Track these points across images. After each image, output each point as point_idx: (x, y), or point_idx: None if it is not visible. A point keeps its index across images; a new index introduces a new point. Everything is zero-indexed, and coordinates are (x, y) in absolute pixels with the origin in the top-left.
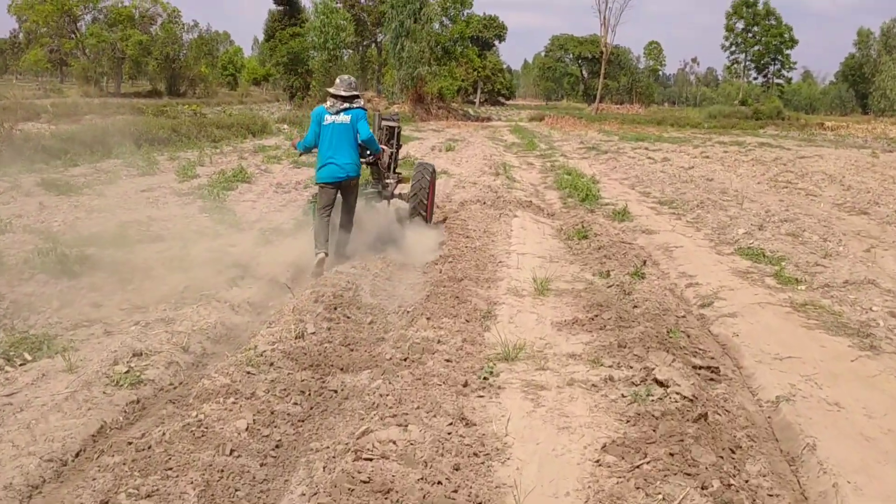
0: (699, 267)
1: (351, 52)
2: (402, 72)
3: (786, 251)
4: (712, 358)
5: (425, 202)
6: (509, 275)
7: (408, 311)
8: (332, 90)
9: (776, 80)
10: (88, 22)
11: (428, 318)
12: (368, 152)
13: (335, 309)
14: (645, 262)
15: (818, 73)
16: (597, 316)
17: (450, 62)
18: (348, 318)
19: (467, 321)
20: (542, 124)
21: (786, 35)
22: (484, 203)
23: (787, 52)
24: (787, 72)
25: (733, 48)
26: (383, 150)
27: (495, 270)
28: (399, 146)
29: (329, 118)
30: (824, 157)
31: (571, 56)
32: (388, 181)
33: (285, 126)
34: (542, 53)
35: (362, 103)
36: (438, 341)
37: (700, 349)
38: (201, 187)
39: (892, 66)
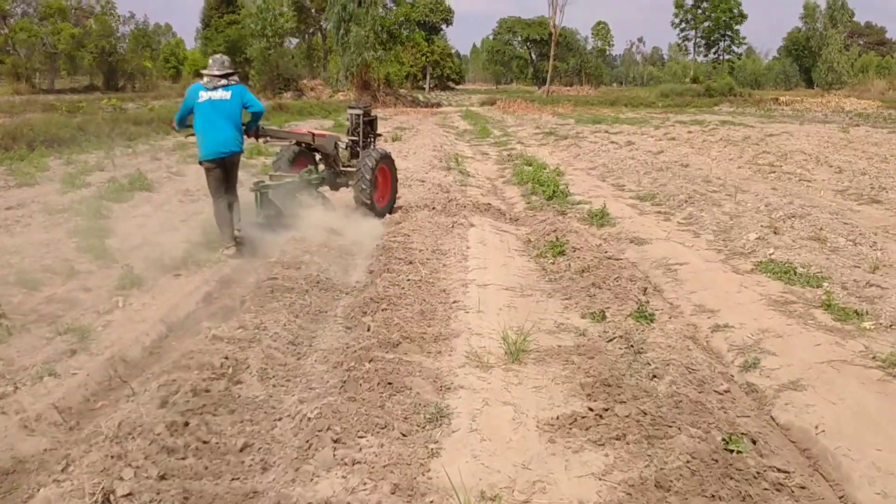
0: (719, 295)
1: (297, 40)
2: (346, 58)
3: (819, 264)
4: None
5: (367, 190)
6: (468, 325)
7: (309, 419)
8: (205, 71)
9: (726, 57)
10: (19, 16)
11: (337, 441)
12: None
13: (187, 425)
14: (646, 290)
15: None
16: (607, 410)
17: (396, 47)
18: (205, 442)
19: (403, 437)
20: (494, 109)
21: (735, 10)
22: (433, 208)
23: (737, 27)
24: (738, 47)
25: (683, 25)
26: (339, 140)
27: (448, 319)
28: (375, 135)
29: (205, 94)
30: (793, 135)
31: (520, 39)
32: (345, 169)
33: None
34: (491, 37)
35: (237, 80)
36: None
37: (781, 471)
38: (85, 201)
39: (838, 39)
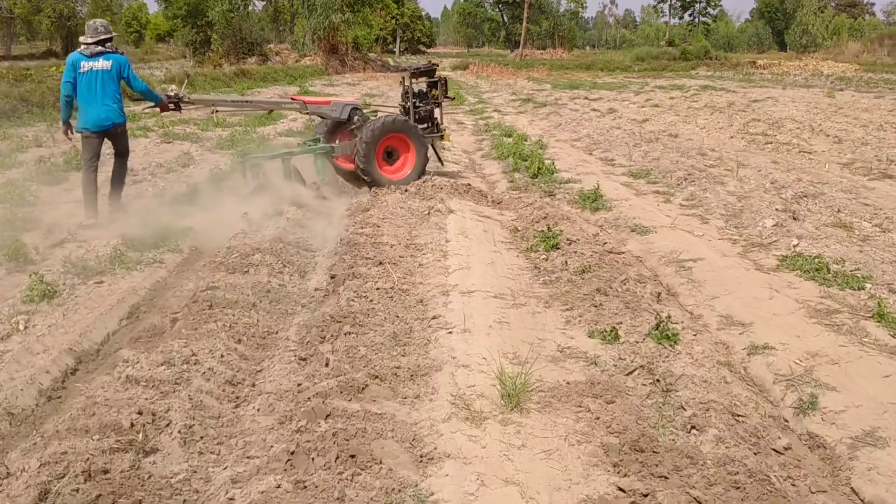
0: (747, 302)
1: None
2: (312, 20)
3: (853, 258)
4: None
5: (360, 162)
6: (452, 352)
7: None
8: (81, 38)
9: (701, 19)
10: None
11: None
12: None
13: None
14: (659, 296)
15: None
16: (646, 496)
17: (364, 9)
18: None
19: None
20: (467, 73)
21: None
22: (405, 190)
23: None
24: (713, 10)
25: None
26: (358, 108)
27: (427, 343)
28: (435, 103)
29: (86, 64)
30: (779, 101)
31: (492, 1)
32: None
33: (172, 86)
34: None
35: (114, 46)
36: None
37: None
38: (9, 184)
39: (813, 1)
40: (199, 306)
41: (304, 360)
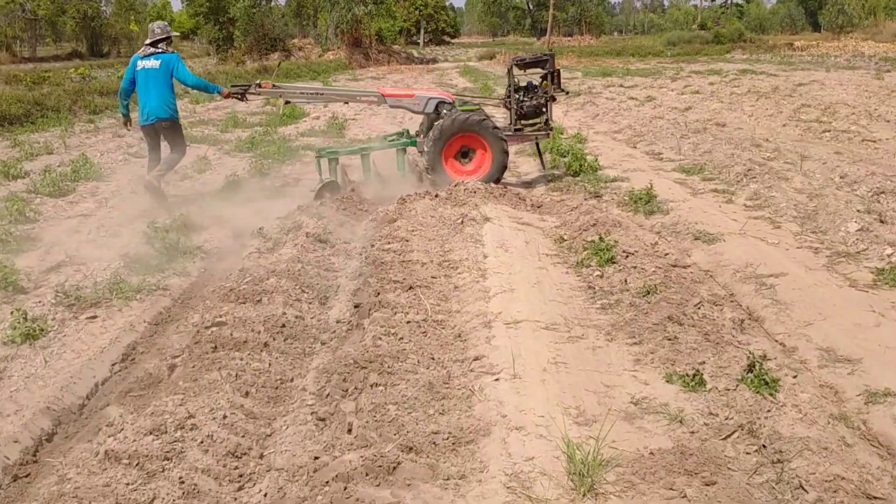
0: (848, 329)
1: None
2: (335, 14)
3: None
4: None
5: (426, 160)
6: (500, 408)
7: None
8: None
9: (734, 1)
10: None
11: None
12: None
13: None
14: (742, 323)
15: None
16: None
17: (387, 0)
18: None
19: None
20: (494, 63)
21: None
22: (435, 195)
23: None
24: None
25: None
26: (444, 101)
27: (470, 395)
28: (546, 97)
29: (140, 63)
30: (825, 84)
31: None
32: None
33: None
34: None
35: (168, 47)
36: None
37: None
38: (12, 197)
39: None
40: (202, 348)
41: (323, 420)
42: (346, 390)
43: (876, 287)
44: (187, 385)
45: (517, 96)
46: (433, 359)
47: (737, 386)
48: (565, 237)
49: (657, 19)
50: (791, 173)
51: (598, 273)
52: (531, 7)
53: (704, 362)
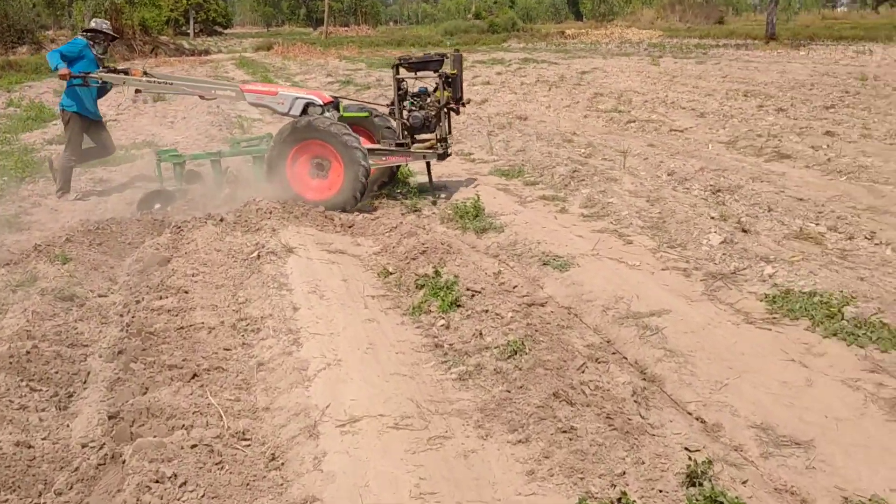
0: (775, 392)
1: None
2: (91, 2)
3: (854, 287)
4: None
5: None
6: None
7: None
8: None
9: None
10: None
11: None
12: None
13: None
14: (643, 392)
15: None
16: None
17: None
18: None
19: None
20: (272, 54)
21: None
22: (220, 219)
23: None
24: None
25: None
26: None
27: None
28: (439, 106)
29: None
30: (608, 71)
31: None
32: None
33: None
34: None
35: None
36: None
37: None
38: None
39: None
40: None
41: None
42: None
43: (775, 322)
44: None
45: (404, 104)
46: None
47: None
48: (391, 269)
49: (430, 9)
50: (616, 172)
51: (442, 322)
52: None
53: (625, 473)
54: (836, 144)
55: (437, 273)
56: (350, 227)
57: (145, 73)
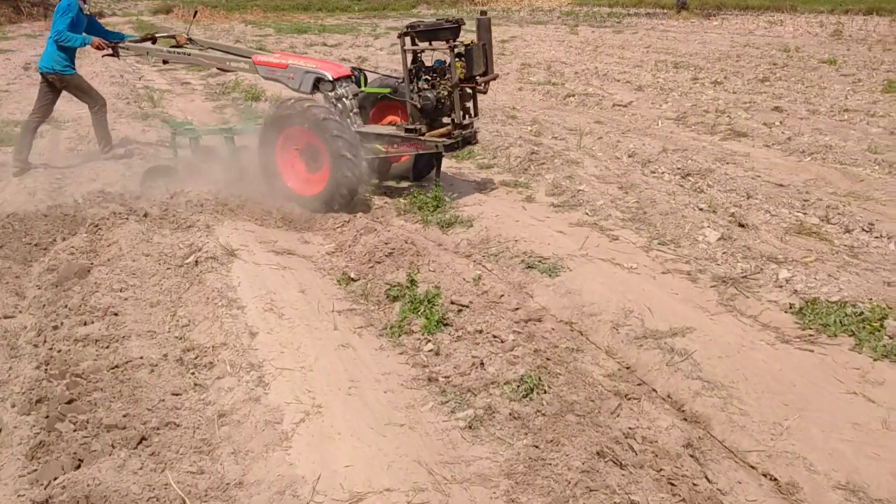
0: (851, 435)
1: None
2: None
3: (880, 293)
4: None
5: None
6: None
7: None
8: None
9: None
10: None
11: None
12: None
13: None
14: (699, 443)
15: None
16: None
17: None
18: None
19: None
20: (172, 17)
21: None
22: (144, 213)
23: None
24: None
25: None
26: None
27: None
28: (453, 80)
29: None
30: (528, 41)
31: None
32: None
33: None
34: None
35: None
36: None
37: None
38: None
39: None
40: None
41: None
42: None
43: (813, 341)
44: None
45: (416, 82)
46: None
47: None
48: (352, 274)
49: None
50: (574, 154)
51: (430, 347)
52: None
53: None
54: (787, 121)
55: (412, 282)
56: (291, 220)
57: (190, 41)
